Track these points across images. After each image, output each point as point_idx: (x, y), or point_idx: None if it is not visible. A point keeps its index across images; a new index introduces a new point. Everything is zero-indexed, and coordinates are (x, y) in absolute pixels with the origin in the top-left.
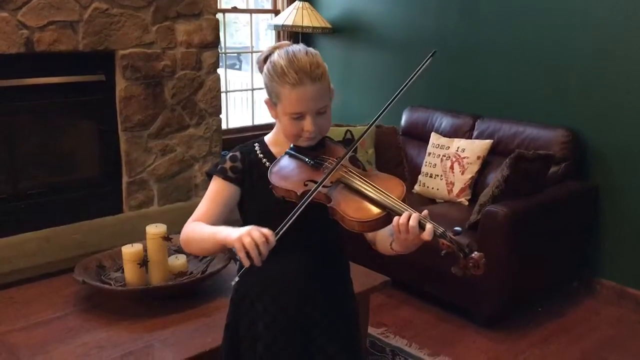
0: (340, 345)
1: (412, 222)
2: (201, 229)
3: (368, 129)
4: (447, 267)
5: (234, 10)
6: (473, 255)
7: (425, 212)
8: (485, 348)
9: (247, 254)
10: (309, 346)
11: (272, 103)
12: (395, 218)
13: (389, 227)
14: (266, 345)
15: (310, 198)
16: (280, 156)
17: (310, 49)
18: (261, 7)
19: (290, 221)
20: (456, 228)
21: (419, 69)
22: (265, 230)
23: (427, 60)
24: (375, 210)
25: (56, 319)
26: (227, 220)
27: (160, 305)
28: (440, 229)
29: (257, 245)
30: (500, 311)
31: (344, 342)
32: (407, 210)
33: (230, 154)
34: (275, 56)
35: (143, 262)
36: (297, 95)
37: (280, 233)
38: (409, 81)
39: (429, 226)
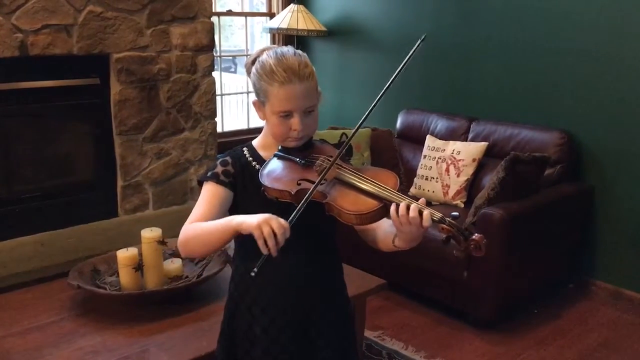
0: (336, 347)
1: (412, 212)
2: (207, 223)
3: (366, 116)
4: (443, 270)
5: (229, 13)
6: (474, 236)
7: (422, 200)
8: (482, 350)
9: (265, 242)
10: (307, 348)
11: (260, 103)
12: (393, 211)
13: (389, 223)
14: (264, 349)
15: (312, 193)
16: (270, 158)
17: (298, 51)
18: (256, 10)
19: (300, 212)
20: (453, 213)
21: (410, 55)
22: (282, 221)
23: (417, 45)
24: (372, 202)
25: (51, 323)
26: None
27: (155, 310)
28: (439, 215)
29: (275, 236)
30: (497, 313)
31: (339, 345)
32: (403, 199)
33: (221, 159)
34: (264, 56)
35: (138, 266)
36: (286, 93)
37: (293, 221)
38: (401, 69)
39: (426, 212)
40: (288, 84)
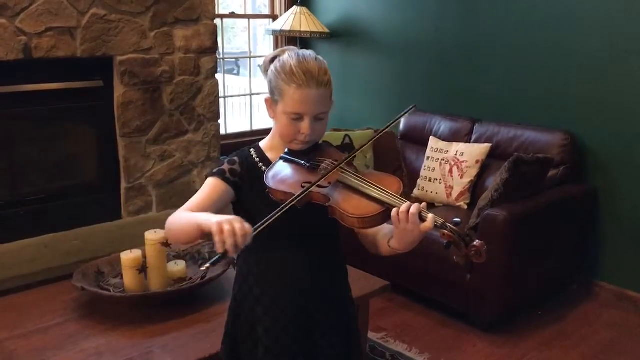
0: (338, 349)
1: (413, 209)
2: (186, 214)
3: (341, 163)
4: (446, 271)
5: (232, 15)
6: (475, 243)
7: (423, 204)
8: (486, 352)
9: (224, 242)
10: (310, 348)
11: (273, 101)
12: (394, 211)
13: (389, 228)
14: (267, 348)
15: (303, 196)
16: (276, 160)
17: (319, 57)
18: (259, 12)
19: (273, 219)
20: (455, 219)
21: (395, 121)
22: (247, 225)
23: (404, 113)
24: (374, 206)
25: (55, 325)
26: None
27: (159, 311)
28: (440, 220)
29: (234, 235)
30: (500, 315)
31: (342, 346)
32: (406, 202)
33: (229, 158)
34: (285, 56)
35: (142, 268)
36: (301, 96)
37: (259, 230)
38: (385, 129)
39: (430, 216)
40: (305, 87)
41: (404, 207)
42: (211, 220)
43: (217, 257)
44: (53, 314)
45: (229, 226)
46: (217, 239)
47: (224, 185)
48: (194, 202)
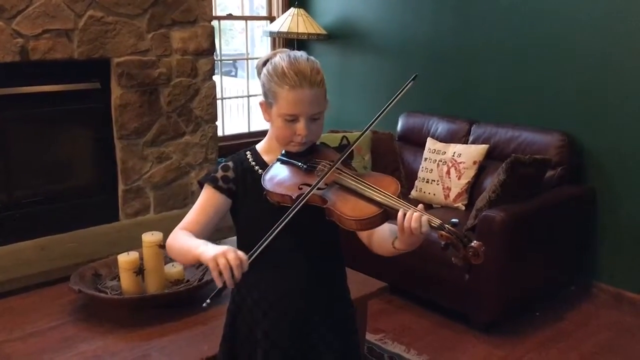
0: (337, 352)
1: (415, 223)
2: (184, 239)
3: (348, 150)
4: (444, 273)
5: (229, 17)
6: (472, 244)
7: (420, 206)
8: (484, 353)
9: (220, 274)
10: (308, 350)
11: (268, 104)
12: (400, 217)
13: (390, 227)
14: (265, 352)
15: (304, 201)
16: (273, 162)
17: (311, 57)
18: (256, 14)
19: (265, 244)
20: (453, 220)
21: (400, 93)
22: (241, 254)
23: (407, 85)
24: (372, 207)
25: (52, 328)
26: (217, 227)
27: (156, 314)
28: (438, 221)
29: (230, 268)
30: (498, 316)
31: (341, 350)
32: (403, 205)
33: (223, 163)
34: (276, 58)
35: (139, 270)
36: (295, 97)
37: (254, 257)
38: (389, 105)
39: (424, 218)
40: (298, 88)
41: (407, 220)
42: (207, 253)
43: (216, 290)
44: (50, 317)
45: (223, 260)
46: (214, 274)
47: (217, 195)
48: (191, 218)
